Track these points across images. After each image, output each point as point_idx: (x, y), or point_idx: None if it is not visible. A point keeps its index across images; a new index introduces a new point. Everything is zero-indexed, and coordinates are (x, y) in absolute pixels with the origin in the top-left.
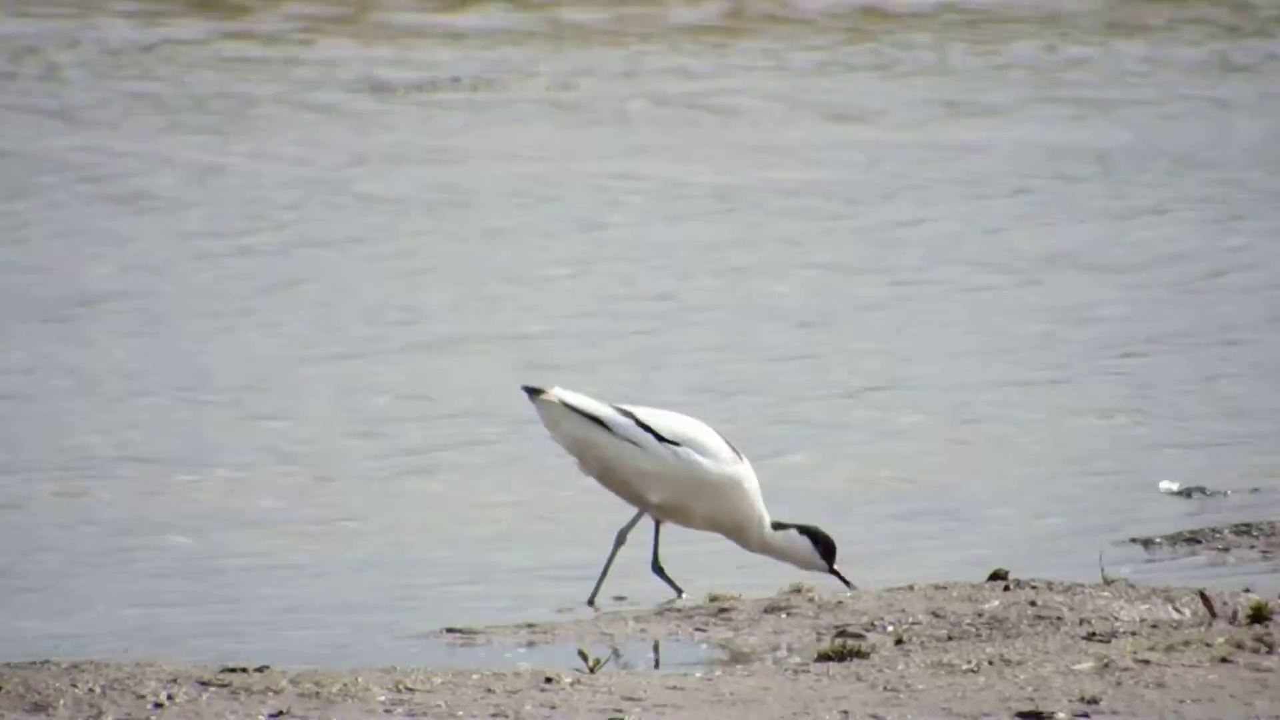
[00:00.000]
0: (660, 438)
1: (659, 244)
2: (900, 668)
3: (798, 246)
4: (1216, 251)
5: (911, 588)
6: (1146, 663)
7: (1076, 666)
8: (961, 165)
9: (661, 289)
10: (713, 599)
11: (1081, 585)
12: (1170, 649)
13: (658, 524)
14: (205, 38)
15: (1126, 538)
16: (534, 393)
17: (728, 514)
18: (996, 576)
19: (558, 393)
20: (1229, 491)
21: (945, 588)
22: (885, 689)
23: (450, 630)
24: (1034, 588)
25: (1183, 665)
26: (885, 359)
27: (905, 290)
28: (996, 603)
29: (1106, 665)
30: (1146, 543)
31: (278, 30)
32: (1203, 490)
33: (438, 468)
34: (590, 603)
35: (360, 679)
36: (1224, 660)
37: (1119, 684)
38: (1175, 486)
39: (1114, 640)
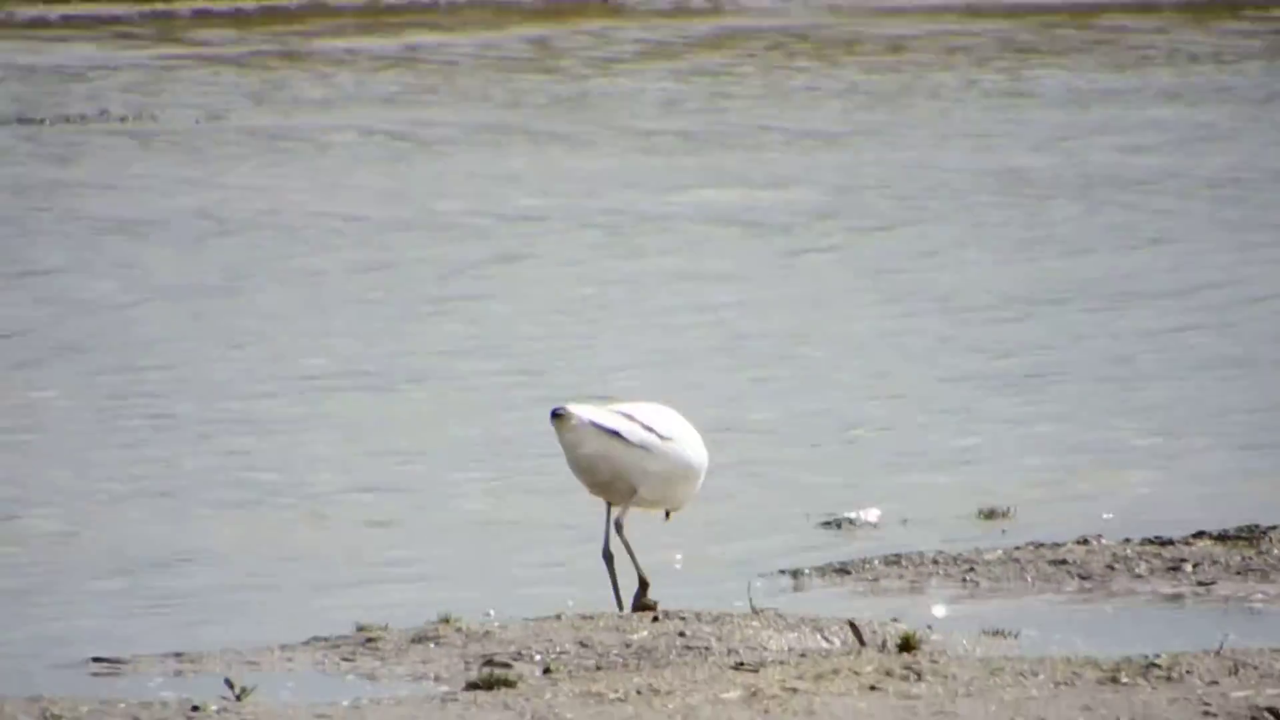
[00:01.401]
0: (661, 437)
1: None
2: (548, 697)
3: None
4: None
5: (559, 617)
6: (795, 691)
7: (725, 695)
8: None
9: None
10: (360, 629)
11: (730, 615)
12: (819, 677)
13: (609, 513)
14: None
15: (775, 569)
16: (560, 417)
17: (693, 493)
18: (645, 607)
19: (586, 413)
20: (878, 523)
21: (593, 618)
22: (533, 717)
23: (97, 659)
24: (683, 618)
25: (831, 693)
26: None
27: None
28: (645, 633)
29: (755, 694)
30: (795, 573)
31: None
32: (852, 521)
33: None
34: (620, 606)
35: (7, 708)
36: (873, 688)
37: (767, 712)
38: (851, 516)
39: (762, 669)
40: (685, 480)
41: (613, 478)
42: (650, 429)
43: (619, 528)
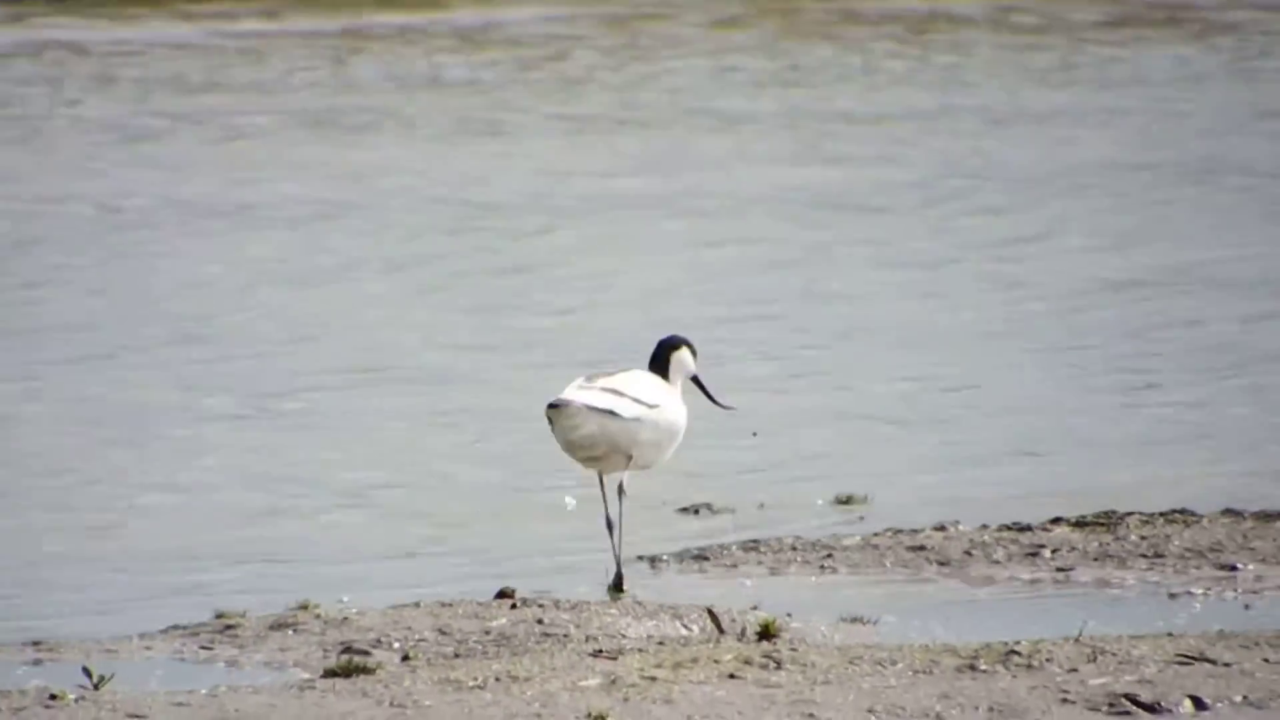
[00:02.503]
0: (649, 406)
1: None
2: (407, 684)
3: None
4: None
5: (418, 605)
6: (654, 679)
7: (584, 683)
8: None
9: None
10: (219, 615)
11: (588, 603)
12: (678, 665)
13: (603, 484)
14: None
15: (633, 555)
16: (558, 408)
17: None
18: (504, 594)
19: (582, 398)
20: (735, 509)
21: (452, 605)
22: (392, 705)
23: None
24: (541, 605)
25: (691, 682)
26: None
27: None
28: (504, 620)
29: (614, 682)
30: (654, 560)
31: None
32: (710, 507)
33: None
34: (617, 588)
35: None
36: (732, 676)
37: (626, 700)
38: (574, 503)
39: (621, 657)
40: (673, 440)
41: (609, 451)
42: (639, 400)
43: (620, 492)
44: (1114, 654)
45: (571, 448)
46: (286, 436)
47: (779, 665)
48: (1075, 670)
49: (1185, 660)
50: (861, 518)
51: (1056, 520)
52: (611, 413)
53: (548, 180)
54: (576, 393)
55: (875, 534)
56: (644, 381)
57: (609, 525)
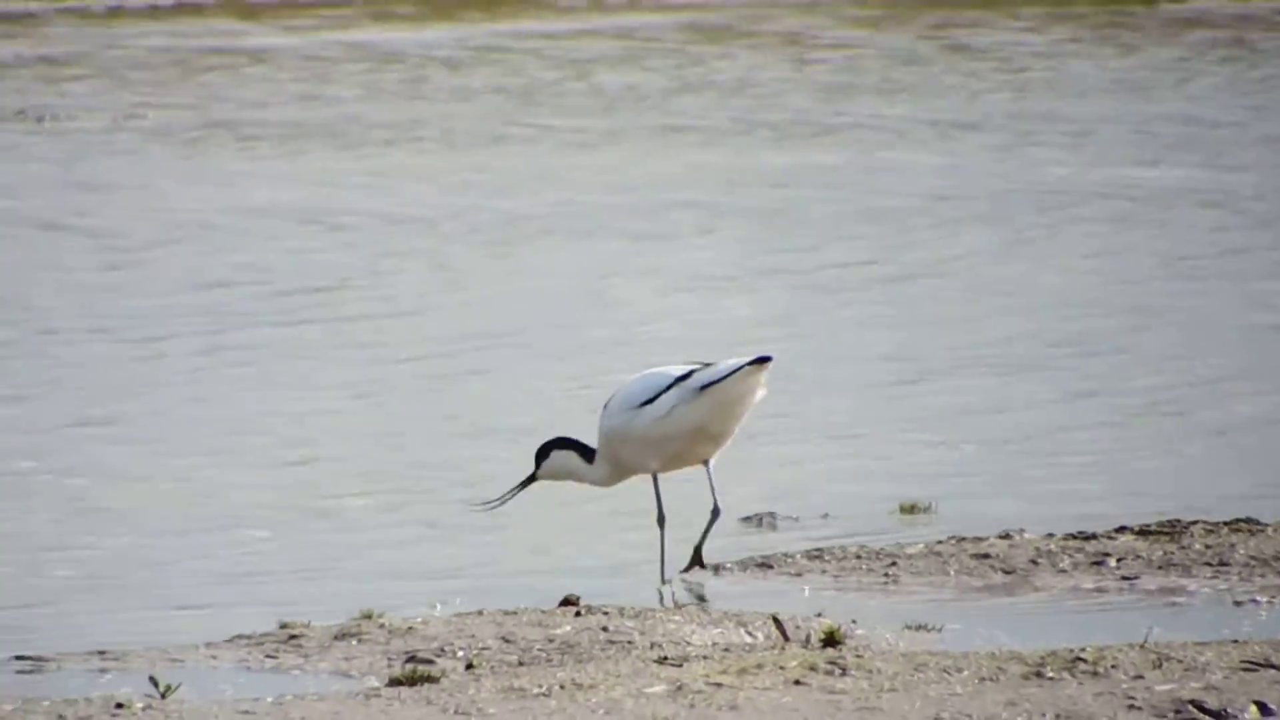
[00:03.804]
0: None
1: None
2: (471, 692)
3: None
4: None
5: (481, 613)
6: (719, 686)
7: (648, 690)
8: None
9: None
10: (283, 625)
11: (653, 610)
12: (743, 672)
13: (657, 483)
14: None
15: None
16: (766, 360)
17: None
18: (568, 602)
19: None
20: (799, 517)
21: (516, 613)
22: (457, 713)
23: (20, 658)
24: (605, 613)
25: (756, 688)
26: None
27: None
28: (568, 628)
29: (679, 688)
30: (717, 568)
31: None
32: (773, 516)
33: None
34: (664, 580)
35: None
36: (797, 683)
37: (692, 706)
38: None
39: (686, 664)
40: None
41: (735, 427)
42: (680, 379)
43: (715, 512)
44: (1179, 661)
45: (730, 419)
46: (345, 446)
47: (844, 672)
48: (1141, 677)
49: (1251, 667)
50: (926, 526)
51: (1121, 529)
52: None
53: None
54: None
55: (939, 541)
56: (655, 373)
57: (660, 521)
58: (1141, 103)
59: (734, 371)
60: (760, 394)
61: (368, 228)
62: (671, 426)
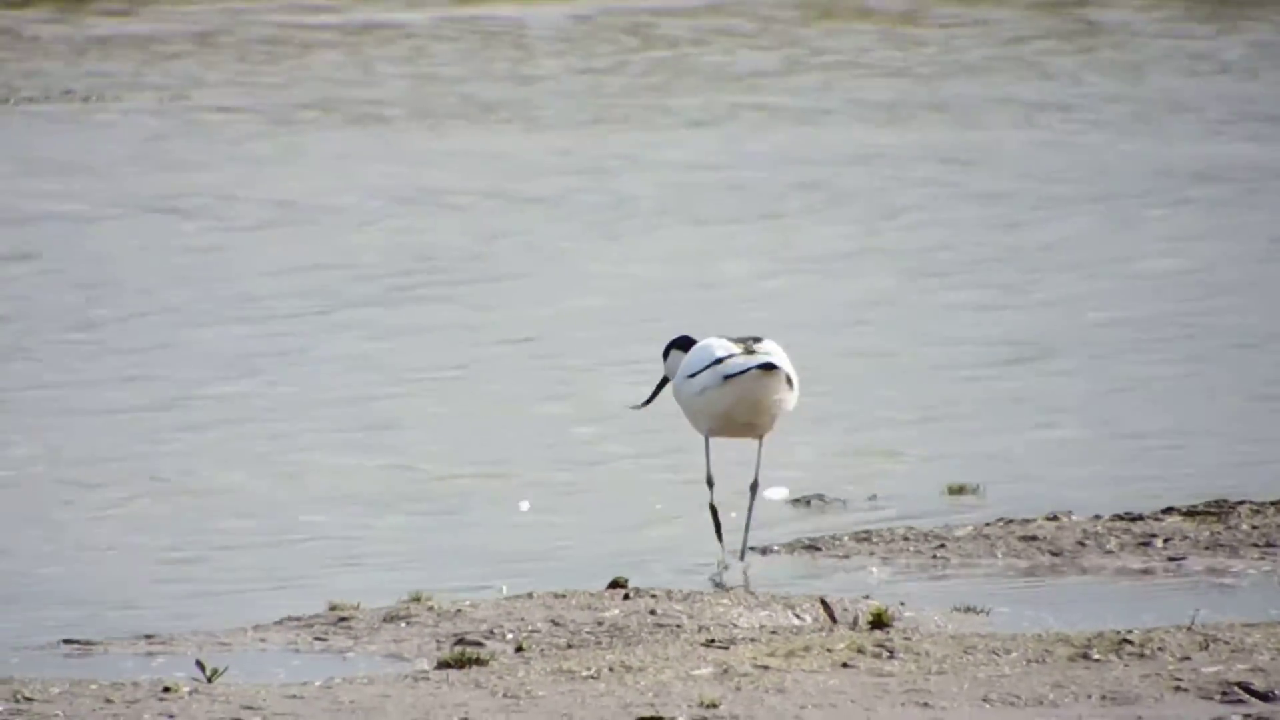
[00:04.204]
0: (790, 375)
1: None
2: (520, 675)
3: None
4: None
5: (531, 595)
6: (766, 668)
7: (696, 672)
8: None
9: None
10: (333, 608)
11: (700, 593)
12: (790, 655)
13: (708, 449)
14: None
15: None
16: (772, 368)
17: None
18: (616, 585)
19: (782, 365)
20: (847, 500)
21: (565, 596)
22: (505, 695)
23: (68, 641)
24: (653, 596)
25: (803, 671)
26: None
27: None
28: (616, 611)
29: (726, 671)
30: (765, 550)
31: None
32: (821, 498)
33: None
34: (731, 555)
35: None
36: (845, 665)
37: (739, 689)
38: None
39: (733, 646)
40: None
41: (771, 419)
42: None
43: (755, 489)
44: (1226, 642)
45: (752, 411)
46: (393, 434)
47: (892, 654)
48: (1188, 659)
49: None
50: (973, 508)
51: (1168, 510)
52: (789, 379)
53: None
54: (777, 359)
55: (987, 524)
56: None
57: (709, 482)
58: (1250, 83)
59: (744, 371)
60: (787, 398)
61: (477, 208)
62: (704, 405)
